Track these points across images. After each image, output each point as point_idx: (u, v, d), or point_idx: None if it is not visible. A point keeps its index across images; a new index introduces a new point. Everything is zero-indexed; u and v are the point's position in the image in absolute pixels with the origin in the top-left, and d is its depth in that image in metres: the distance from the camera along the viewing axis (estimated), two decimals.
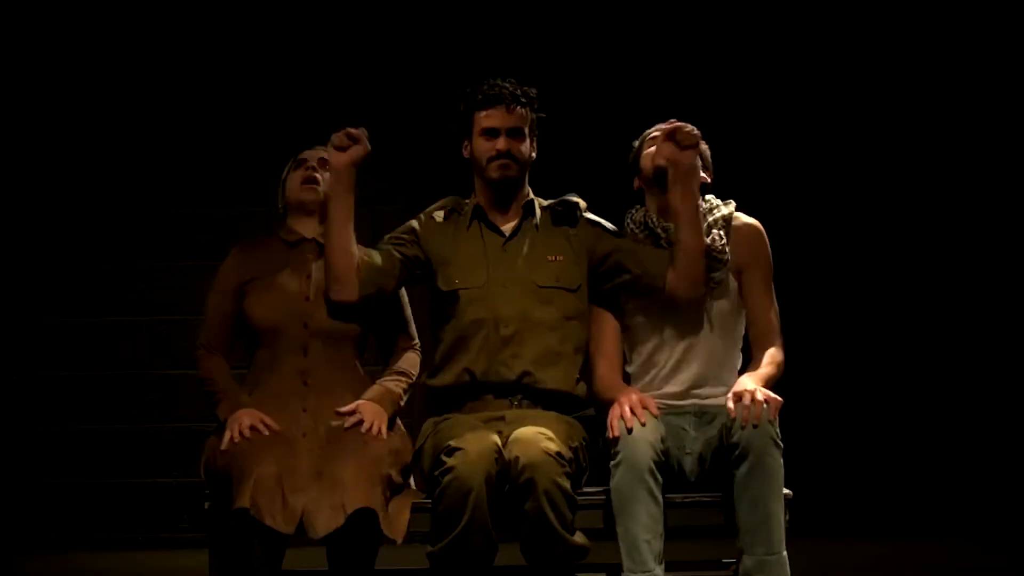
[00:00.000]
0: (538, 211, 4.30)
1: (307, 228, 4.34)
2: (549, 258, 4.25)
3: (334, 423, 4.08)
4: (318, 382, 4.20)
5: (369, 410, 4.09)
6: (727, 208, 4.32)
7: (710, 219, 4.28)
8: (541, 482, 3.86)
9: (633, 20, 7.20)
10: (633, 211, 4.39)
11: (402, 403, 4.25)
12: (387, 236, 4.31)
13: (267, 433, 4.02)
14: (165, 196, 7.11)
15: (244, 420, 4.04)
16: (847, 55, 7.24)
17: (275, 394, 4.16)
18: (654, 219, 4.29)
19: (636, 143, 4.38)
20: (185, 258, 7.07)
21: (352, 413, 4.09)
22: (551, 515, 3.86)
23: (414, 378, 4.31)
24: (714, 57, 7.08)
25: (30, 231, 7.09)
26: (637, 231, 4.32)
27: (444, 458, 3.93)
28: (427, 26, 7.18)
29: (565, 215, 4.31)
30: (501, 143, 4.21)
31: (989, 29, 7.21)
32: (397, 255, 4.24)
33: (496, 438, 3.97)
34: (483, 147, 4.23)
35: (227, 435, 4.02)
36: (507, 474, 3.92)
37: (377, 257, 4.22)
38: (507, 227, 4.29)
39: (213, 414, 4.19)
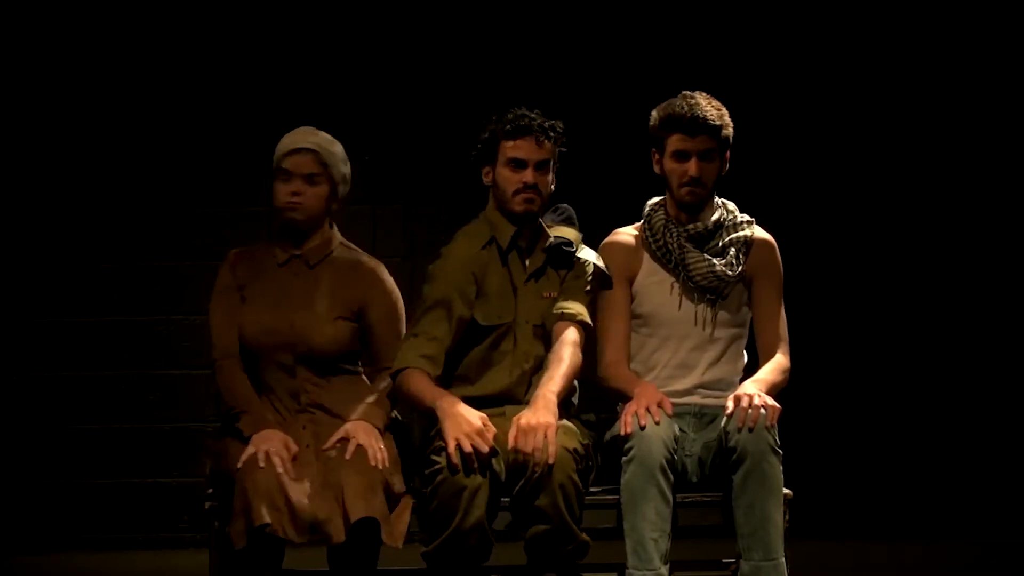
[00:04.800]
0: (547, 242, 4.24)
1: (296, 240, 4.25)
2: (544, 295, 4.22)
3: (332, 453, 3.99)
4: (311, 399, 4.17)
5: (360, 430, 4.02)
6: (748, 230, 4.31)
7: (729, 237, 4.28)
8: (557, 476, 3.87)
9: (644, 21, 7.19)
10: (653, 209, 4.34)
11: (392, 413, 4.19)
12: (445, 286, 4.15)
13: (286, 457, 3.95)
14: (165, 196, 7.10)
15: (270, 445, 3.95)
16: (855, 64, 7.21)
17: (273, 412, 4.13)
18: (672, 232, 4.26)
19: (654, 114, 4.29)
20: (185, 258, 7.06)
21: (344, 440, 3.99)
22: (564, 510, 3.87)
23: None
24: (722, 62, 7.04)
25: (30, 231, 7.08)
26: (651, 241, 4.30)
27: (435, 457, 3.94)
28: (426, 26, 7.17)
29: (560, 259, 4.23)
30: (529, 176, 4.12)
31: (1007, 40, 7.21)
32: (451, 330, 4.14)
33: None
34: (509, 178, 4.15)
35: (251, 452, 3.93)
36: (509, 472, 3.92)
37: (440, 360, 4.13)
38: (531, 263, 4.22)
39: (221, 419, 4.17)
